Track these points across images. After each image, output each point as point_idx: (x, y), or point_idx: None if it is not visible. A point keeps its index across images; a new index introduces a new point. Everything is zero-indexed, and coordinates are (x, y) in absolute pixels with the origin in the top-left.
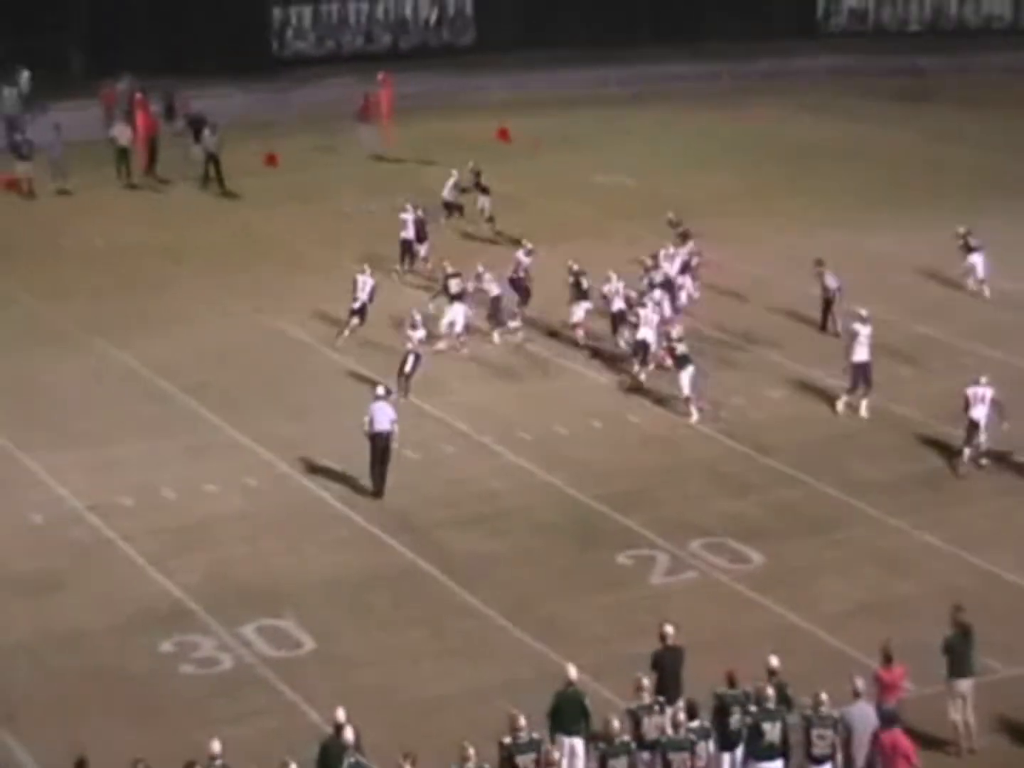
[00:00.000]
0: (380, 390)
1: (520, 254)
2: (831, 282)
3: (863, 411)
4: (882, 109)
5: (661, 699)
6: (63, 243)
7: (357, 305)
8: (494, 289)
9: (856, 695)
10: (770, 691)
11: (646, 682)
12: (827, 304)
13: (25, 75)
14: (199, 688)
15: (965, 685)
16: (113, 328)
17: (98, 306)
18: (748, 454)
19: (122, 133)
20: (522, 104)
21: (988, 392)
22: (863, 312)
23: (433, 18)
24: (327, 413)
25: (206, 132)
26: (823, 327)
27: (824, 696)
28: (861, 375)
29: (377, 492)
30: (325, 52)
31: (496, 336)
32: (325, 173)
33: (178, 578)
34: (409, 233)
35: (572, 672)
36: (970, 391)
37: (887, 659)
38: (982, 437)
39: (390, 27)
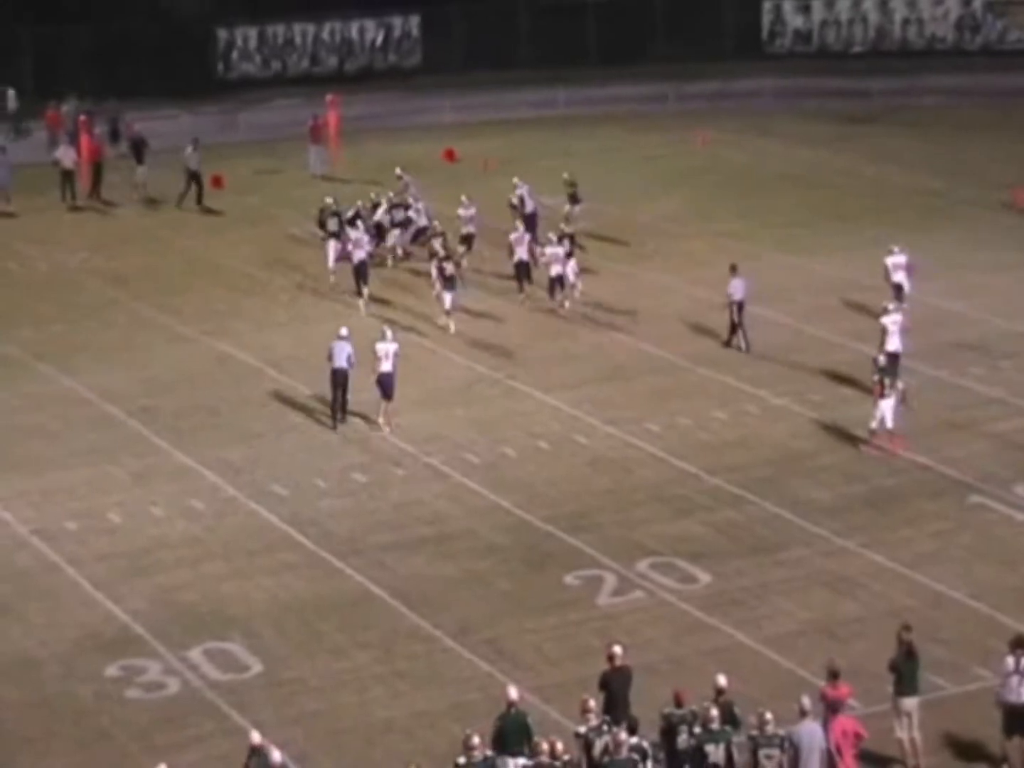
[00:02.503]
0: (342, 331)
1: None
2: (734, 290)
3: (912, 404)
4: (827, 130)
5: (607, 719)
6: (7, 266)
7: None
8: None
9: (803, 714)
10: (714, 712)
11: (592, 703)
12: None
13: (11, 94)
14: (145, 713)
15: (911, 703)
16: (58, 353)
17: (43, 331)
18: (695, 474)
19: (66, 155)
20: (469, 126)
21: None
22: (890, 305)
23: (379, 40)
24: (274, 437)
25: (188, 149)
26: (727, 341)
27: (769, 715)
28: (892, 365)
29: (335, 424)
30: (271, 74)
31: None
32: (271, 195)
33: (124, 603)
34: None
35: (513, 693)
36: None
37: (833, 676)
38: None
39: (336, 49)
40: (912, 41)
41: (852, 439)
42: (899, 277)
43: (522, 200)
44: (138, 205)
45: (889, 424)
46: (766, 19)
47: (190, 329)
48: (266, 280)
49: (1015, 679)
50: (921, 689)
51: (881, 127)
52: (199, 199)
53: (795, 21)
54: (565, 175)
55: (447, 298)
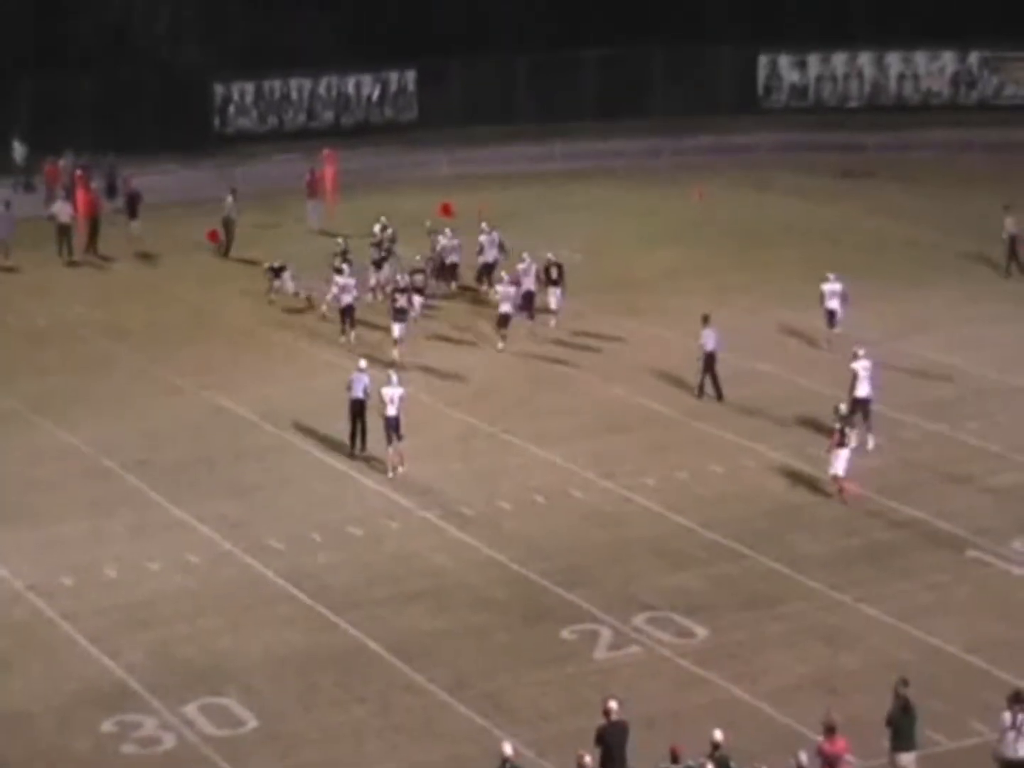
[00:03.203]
0: (361, 363)
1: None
2: (706, 340)
3: (870, 445)
4: (823, 185)
5: None
6: (7, 320)
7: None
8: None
9: None
10: (709, 767)
11: (588, 759)
12: (704, 363)
13: (18, 147)
14: None
15: (907, 759)
16: (56, 406)
17: (41, 384)
18: (691, 528)
19: (62, 210)
20: (466, 180)
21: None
22: (860, 350)
23: (376, 94)
24: (270, 490)
25: (228, 199)
26: (698, 393)
27: None
28: (861, 410)
29: (353, 452)
30: (267, 128)
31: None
32: (269, 249)
33: (120, 657)
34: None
35: (508, 749)
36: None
37: (829, 731)
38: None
39: (332, 103)
40: (908, 96)
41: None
42: (833, 304)
43: (481, 248)
44: (133, 259)
45: (841, 472)
46: (762, 74)
47: (187, 382)
48: (263, 334)
49: (1011, 735)
50: (918, 744)
51: (878, 181)
52: (227, 251)
53: (791, 76)
54: (550, 255)
55: (396, 328)
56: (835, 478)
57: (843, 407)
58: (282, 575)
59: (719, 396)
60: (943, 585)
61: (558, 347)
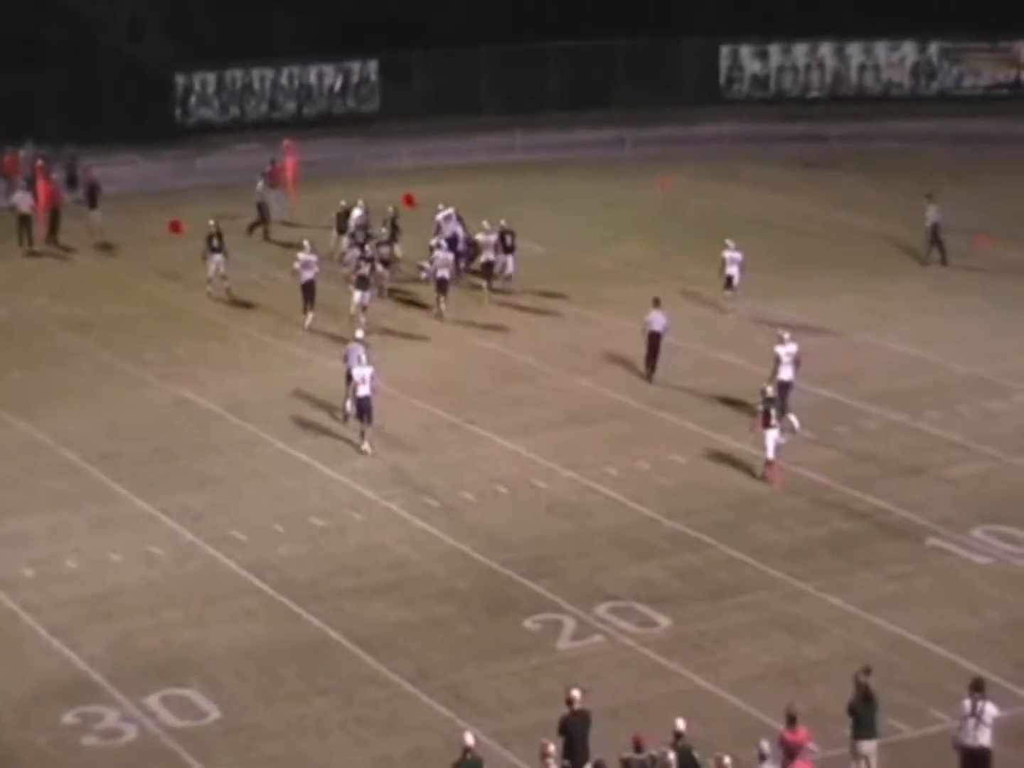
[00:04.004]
0: (358, 333)
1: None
2: (654, 322)
3: (796, 427)
4: (786, 175)
5: (567, 764)
6: None
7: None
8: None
9: (762, 758)
10: (671, 756)
11: (552, 748)
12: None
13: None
14: (103, 760)
15: (869, 747)
16: (17, 399)
17: (2, 377)
18: (654, 519)
19: (23, 201)
20: (428, 171)
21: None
22: (785, 335)
23: (338, 85)
24: (234, 482)
25: (260, 183)
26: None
27: (728, 760)
28: (783, 395)
29: (345, 419)
30: (229, 119)
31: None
32: (230, 240)
33: (82, 649)
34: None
35: (469, 739)
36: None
37: (791, 720)
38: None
39: (295, 94)
40: (869, 87)
41: (811, 483)
42: (732, 270)
43: (439, 226)
44: (94, 250)
45: (769, 454)
46: (724, 64)
47: (150, 374)
48: (227, 326)
49: (971, 722)
50: (879, 732)
51: (840, 172)
52: (266, 234)
53: (752, 67)
54: (503, 222)
55: (356, 295)
56: (769, 463)
57: (770, 390)
58: (245, 567)
59: (650, 375)
60: (905, 575)
61: (522, 338)
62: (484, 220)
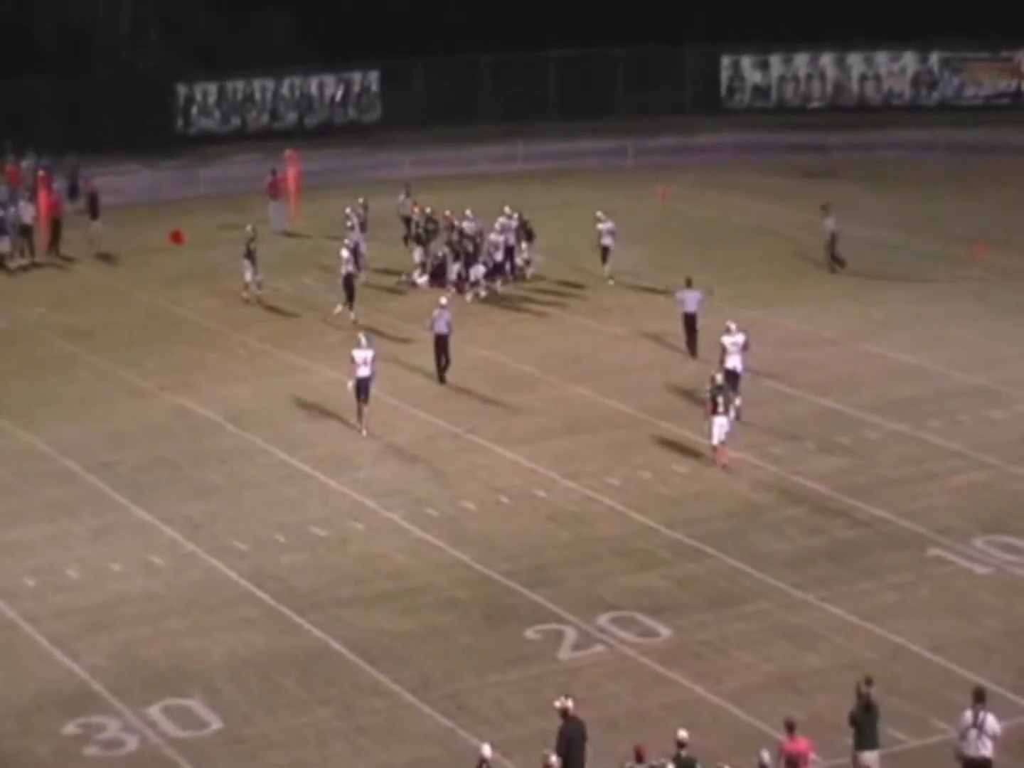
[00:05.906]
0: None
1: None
2: (688, 303)
3: (735, 409)
4: (786, 185)
5: None
6: None
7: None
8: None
9: None
10: (671, 767)
11: (554, 759)
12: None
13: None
14: None
15: (870, 757)
16: (18, 408)
17: (2, 386)
18: (655, 528)
19: (26, 211)
20: (428, 180)
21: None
22: (732, 325)
23: (339, 95)
24: (234, 492)
25: (401, 197)
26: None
27: None
28: (731, 382)
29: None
30: (231, 129)
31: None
32: (231, 250)
33: (83, 659)
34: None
35: (486, 751)
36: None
37: (790, 730)
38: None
39: (296, 104)
40: (870, 96)
41: (812, 492)
42: (607, 241)
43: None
44: (95, 260)
45: (715, 440)
46: (725, 75)
47: (150, 383)
48: (226, 334)
49: (973, 733)
50: (880, 742)
51: (840, 181)
52: None
53: (753, 77)
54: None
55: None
56: (715, 449)
57: (719, 378)
58: (246, 576)
59: (692, 353)
60: (906, 584)
61: (522, 347)
62: (506, 206)
